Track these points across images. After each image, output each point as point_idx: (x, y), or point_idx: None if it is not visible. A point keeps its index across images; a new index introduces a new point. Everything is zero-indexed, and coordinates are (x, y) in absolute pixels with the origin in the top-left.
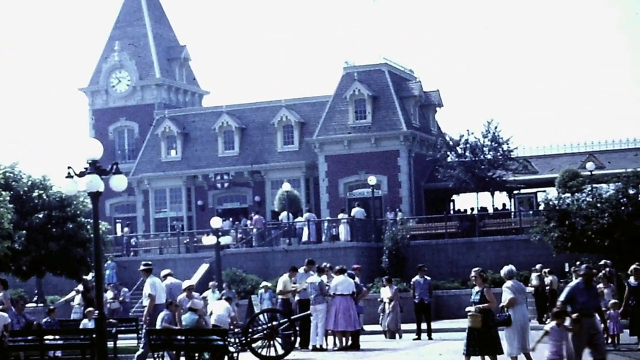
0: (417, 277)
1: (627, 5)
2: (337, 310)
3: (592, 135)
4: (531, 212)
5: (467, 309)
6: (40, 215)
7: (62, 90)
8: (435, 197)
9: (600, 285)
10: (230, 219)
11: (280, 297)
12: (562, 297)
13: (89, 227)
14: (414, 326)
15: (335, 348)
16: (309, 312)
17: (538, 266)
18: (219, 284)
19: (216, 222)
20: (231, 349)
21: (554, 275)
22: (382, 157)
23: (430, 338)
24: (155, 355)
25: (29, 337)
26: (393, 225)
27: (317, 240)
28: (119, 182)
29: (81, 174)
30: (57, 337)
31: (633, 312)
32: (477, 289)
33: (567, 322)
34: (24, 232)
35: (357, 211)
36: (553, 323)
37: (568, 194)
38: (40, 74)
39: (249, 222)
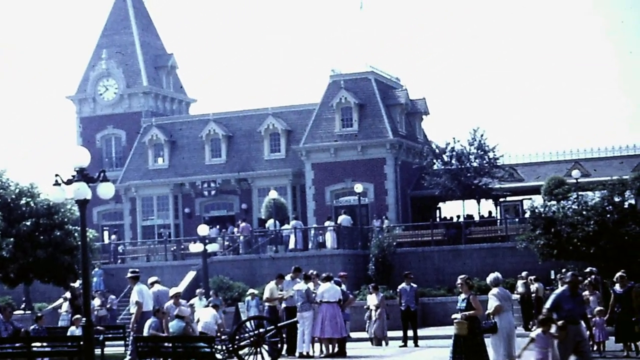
0: (403, 285)
1: (613, 13)
2: (324, 318)
3: (578, 143)
4: (517, 219)
5: (453, 316)
6: (28, 223)
7: (50, 98)
8: (422, 204)
9: (586, 292)
10: (217, 227)
11: (267, 304)
12: (547, 305)
13: (76, 234)
14: (400, 333)
15: (322, 355)
16: (295, 319)
17: (524, 273)
18: (206, 291)
19: (203, 229)
20: (218, 356)
21: (540, 283)
22: (369, 165)
23: (416, 345)
24: None
25: (17, 345)
26: (379, 233)
27: (303, 247)
28: (106, 190)
29: (69, 182)
30: (44, 344)
31: (619, 320)
32: (463, 296)
33: (553, 330)
34: (12, 239)
35: (343, 219)
36: (539, 330)
37: (554, 202)
38: (27, 81)
39: (235, 229)
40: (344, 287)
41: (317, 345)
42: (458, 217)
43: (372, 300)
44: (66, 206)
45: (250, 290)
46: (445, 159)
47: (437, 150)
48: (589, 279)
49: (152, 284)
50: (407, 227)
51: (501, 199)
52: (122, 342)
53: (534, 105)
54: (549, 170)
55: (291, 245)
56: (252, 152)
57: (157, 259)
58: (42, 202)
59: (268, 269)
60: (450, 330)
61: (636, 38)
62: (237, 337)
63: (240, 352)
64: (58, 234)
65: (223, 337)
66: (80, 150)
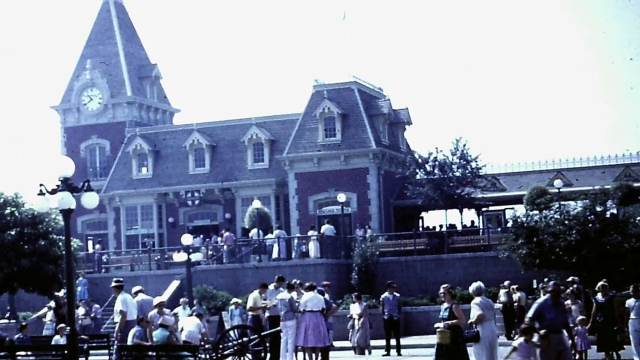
0: (386, 294)
1: (595, 24)
2: (307, 327)
3: (560, 152)
4: (499, 229)
5: (436, 325)
6: (13, 232)
7: (34, 108)
8: (404, 214)
9: (568, 301)
10: (201, 236)
11: (250, 313)
12: (530, 314)
13: (60, 244)
14: (383, 342)
15: None
16: (279, 328)
17: (506, 283)
18: (189, 300)
19: (187, 239)
20: None
21: (522, 292)
22: (352, 175)
23: (399, 354)
24: None
25: (1, 353)
26: (362, 242)
27: (287, 257)
28: (90, 200)
29: (53, 191)
30: (29, 353)
31: (600, 329)
32: (445, 305)
33: (535, 338)
34: None
35: (326, 228)
36: (521, 339)
37: (536, 211)
38: (12, 91)
39: (219, 239)
40: (327, 296)
41: (300, 355)
42: (441, 226)
43: (355, 309)
44: (50, 216)
45: (234, 300)
46: (428, 168)
47: (419, 160)
48: (571, 288)
49: (136, 293)
50: (390, 237)
51: (484, 209)
52: (107, 351)
53: (516, 115)
54: (531, 180)
55: (274, 254)
56: (236, 161)
57: (141, 268)
58: (27, 212)
59: (251, 278)
60: (433, 339)
61: (618, 48)
62: (220, 346)
63: None
64: (42, 243)
65: (207, 346)
66: (65, 160)
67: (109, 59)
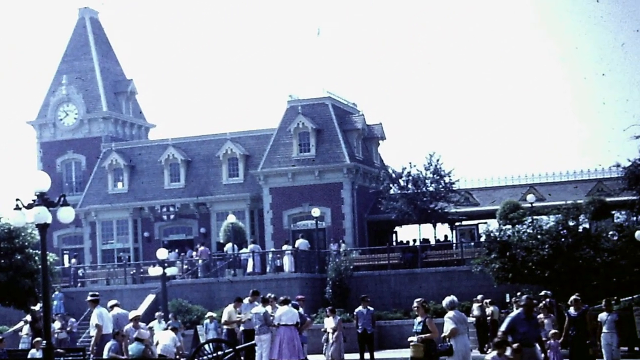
0: (360, 308)
1: (567, 39)
2: (282, 340)
3: (533, 167)
4: (472, 243)
5: (410, 339)
6: None
7: (10, 123)
8: (378, 228)
9: (541, 315)
10: (176, 251)
11: (225, 327)
12: (503, 327)
13: (37, 258)
14: (357, 356)
15: None
16: (253, 342)
17: (479, 297)
18: (165, 314)
19: (162, 253)
20: None
21: (495, 306)
22: (326, 190)
23: None
24: None
25: None
26: (336, 257)
27: (261, 271)
28: (66, 214)
29: (29, 206)
30: None
31: (573, 342)
32: (419, 319)
33: (508, 352)
34: None
35: (301, 242)
36: (494, 353)
37: (509, 226)
38: None
39: (194, 253)
40: (301, 310)
41: None
42: (414, 241)
43: (329, 323)
44: (27, 230)
45: (209, 313)
46: (402, 183)
47: (393, 175)
48: (543, 302)
49: (112, 307)
50: (363, 251)
51: (457, 223)
52: None
53: (489, 130)
54: (504, 195)
55: (249, 268)
56: (211, 176)
57: (117, 283)
58: (3, 226)
59: (226, 292)
60: (407, 353)
61: (590, 64)
62: (195, 359)
63: None
64: (19, 257)
65: (182, 359)
66: (41, 174)
67: (84, 74)
